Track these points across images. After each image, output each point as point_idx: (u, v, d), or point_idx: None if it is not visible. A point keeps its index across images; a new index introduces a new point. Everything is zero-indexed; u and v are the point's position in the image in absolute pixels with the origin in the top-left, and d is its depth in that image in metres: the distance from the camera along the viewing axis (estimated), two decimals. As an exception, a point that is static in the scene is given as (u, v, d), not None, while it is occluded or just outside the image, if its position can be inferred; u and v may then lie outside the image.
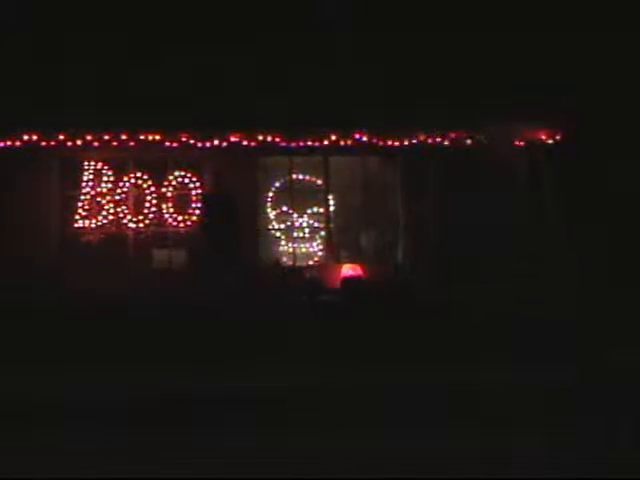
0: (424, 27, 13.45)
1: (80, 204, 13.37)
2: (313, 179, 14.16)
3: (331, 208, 14.10)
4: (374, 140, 13.64)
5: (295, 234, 14.08)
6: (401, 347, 10.68)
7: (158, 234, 13.57)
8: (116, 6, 13.35)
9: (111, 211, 13.42)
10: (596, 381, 9.12)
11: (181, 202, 13.61)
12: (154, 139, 13.33)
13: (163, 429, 7.50)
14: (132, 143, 13.32)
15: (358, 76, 13.30)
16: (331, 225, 14.08)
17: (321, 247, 14.09)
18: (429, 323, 11.27)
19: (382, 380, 9.42)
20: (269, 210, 14.05)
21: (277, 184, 14.11)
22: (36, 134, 13.08)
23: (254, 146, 13.54)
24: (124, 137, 13.27)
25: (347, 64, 13.37)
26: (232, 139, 13.46)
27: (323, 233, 14.08)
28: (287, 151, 13.76)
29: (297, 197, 14.09)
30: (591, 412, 7.82)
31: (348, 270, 13.37)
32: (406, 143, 13.63)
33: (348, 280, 13.09)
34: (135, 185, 13.58)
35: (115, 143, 13.31)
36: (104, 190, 13.47)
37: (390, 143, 13.69)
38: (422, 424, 7.44)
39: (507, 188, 13.36)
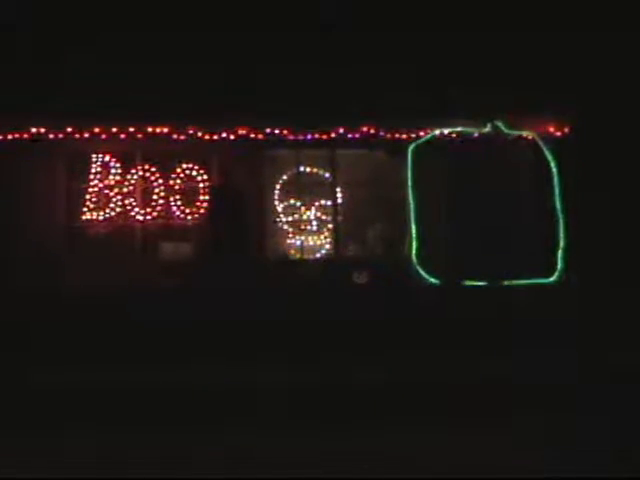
0: (434, 25, 13.45)
1: (88, 196, 13.42)
2: (321, 172, 14.16)
3: (339, 201, 14.10)
4: (381, 133, 13.62)
5: (303, 227, 14.09)
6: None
7: (165, 227, 13.60)
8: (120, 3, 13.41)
9: (119, 203, 13.47)
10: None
11: (189, 195, 13.64)
12: (162, 132, 13.35)
13: (166, 425, 7.55)
14: (140, 136, 13.35)
15: (365, 71, 13.28)
16: (339, 218, 14.08)
17: (329, 240, 14.09)
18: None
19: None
20: (277, 203, 14.05)
21: (285, 177, 14.12)
22: (44, 126, 13.11)
23: (262, 139, 13.54)
24: (132, 130, 13.29)
25: (354, 60, 13.34)
26: (240, 132, 13.47)
27: (331, 226, 14.07)
28: (295, 144, 13.75)
29: (305, 190, 14.10)
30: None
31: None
32: (413, 136, 13.60)
33: None
34: (143, 178, 13.62)
35: (123, 136, 13.34)
36: (112, 182, 13.52)
37: (397, 136, 13.66)
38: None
39: (514, 181, 13.36)
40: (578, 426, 7.29)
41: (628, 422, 7.36)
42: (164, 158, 13.64)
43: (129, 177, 13.58)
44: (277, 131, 13.50)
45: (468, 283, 12.65)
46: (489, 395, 8.43)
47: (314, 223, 14.11)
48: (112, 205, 13.45)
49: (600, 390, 8.47)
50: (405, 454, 6.54)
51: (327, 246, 14.08)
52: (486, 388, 8.68)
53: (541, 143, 13.58)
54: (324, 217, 14.10)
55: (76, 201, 13.43)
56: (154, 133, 13.35)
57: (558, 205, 13.26)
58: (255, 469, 6.19)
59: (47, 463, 6.35)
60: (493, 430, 7.22)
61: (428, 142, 13.60)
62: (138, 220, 13.49)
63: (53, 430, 7.34)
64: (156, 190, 13.59)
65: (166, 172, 13.65)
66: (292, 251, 14.04)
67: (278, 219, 14.04)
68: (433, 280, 12.99)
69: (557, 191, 13.31)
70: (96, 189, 13.47)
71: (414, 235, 13.41)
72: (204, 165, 13.71)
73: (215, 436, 7.14)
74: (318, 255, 14.05)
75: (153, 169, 13.64)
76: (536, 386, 8.77)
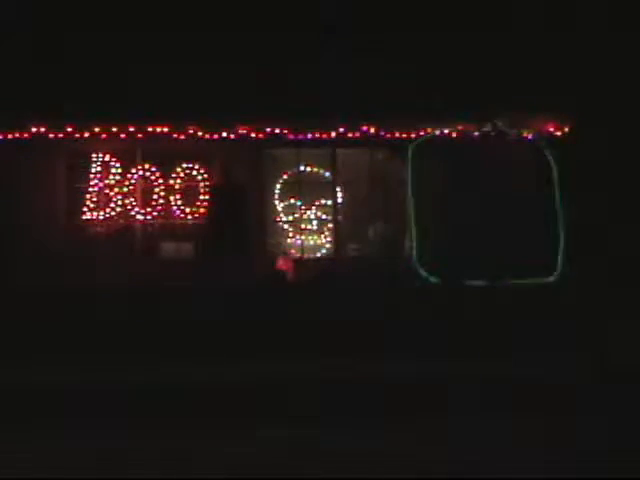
0: (434, 25, 13.45)
1: (88, 196, 13.42)
2: (321, 171, 14.16)
3: (339, 200, 14.11)
4: (382, 132, 13.63)
5: (303, 226, 14.09)
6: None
7: (166, 226, 13.62)
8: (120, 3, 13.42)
9: (119, 203, 13.47)
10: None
11: (189, 194, 13.66)
12: (162, 131, 13.36)
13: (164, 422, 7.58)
14: (140, 135, 13.35)
15: (366, 70, 13.28)
16: (339, 217, 14.09)
17: (329, 239, 14.10)
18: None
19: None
20: (277, 202, 14.06)
21: (285, 176, 14.12)
22: (44, 126, 13.12)
23: (262, 138, 13.56)
24: (132, 129, 13.29)
25: (354, 60, 13.34)
26: (240, 131, 13.48)
27: (331, 225, 14.08)
28: (295, 143, 13.76)
29: (305, 189, 14.10)
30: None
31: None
32: (413, 135, 13.61)
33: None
34: (143, 177, 13.62)
35: (123, 135, 13.34)
36: (112, 182, 13.52)
37: (398, 135, 13.66)
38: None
39: (514, 181, 13.37)
40: (578, 426, 7.31)
41: (628, 422, 7.37)
42: (164, 157, 13.65)
43: (129, 176, 13.58)
44: (277, 130, 13.51)
45: (468, 283, 12.63)
46: (489, 395, 8.45)
47: (314, 222, 14.11)
48: (112, 205, 13.45)
49: (600, 390, 8.48)
50: (404, 453, 6.55)
51: (327, 245, 14.09)
52: (486, 388, 8.69)
53: (541, 143, 13.59)
54: (324, 216, 14.10)
55: (76, 201, 13.45)
56: (154, 132, 13.36)
57: (558, 205, 13.26)
58: (255, 469, 6.20)
59: (47, 463, 6.36)
60: (493, 430, 7.23)
61: (428, 142, 13.59)
62: (138, 220, 13.50)
63: (53, 430, 7.35)
64: (156, 190, 13.59)
65: (166, 171, 13.66)
66: (292, 250, 14.03)
67: (278, 218, 14.04)
68: (433, 280, 12.97)
69: (557, 191, 13.31)
70: (96, 189, 13.47)
71: (414, 235, 13.41)
72: (204, 164, 13.71)
73: (215, 435, 7.16)
74: (318, 254, 14.06)
75: (153, 169, 13.64)
76: (536, 386, 8.79)
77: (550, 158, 13.44)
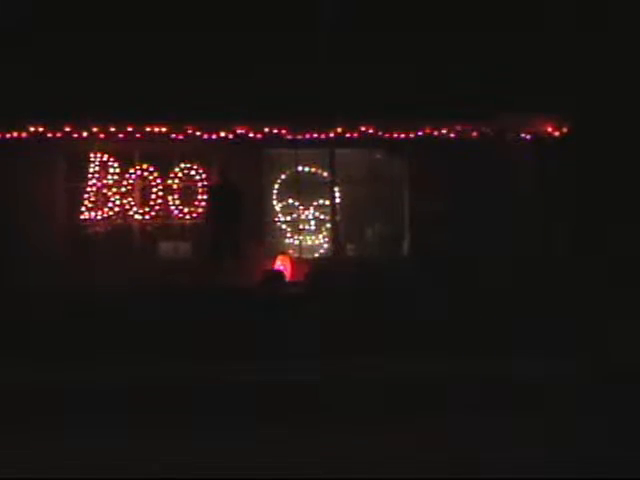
0: (434, 25, 13.45)
1: (86, 196, 13.42)
2: (319, 171, 14.14)
3: (337, 200, 14.07)
4: (380, 132, 13.61)
5: (301, 226, 14.08)
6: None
7: (164, 226, 13.62)
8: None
9: (117, 203, 13.47)
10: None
11: (187, 194, 13.66)
12: (160, 131, 13.36)
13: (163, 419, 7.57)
14: (138, 135, 13.36)
15: (364, 71, 13.27)
16: (337, 217, 14.05)
17: (327, 239, 14.08)
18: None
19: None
20: (275, 202, 14.05)
21: (283, 176, 14.11)
22: (42, 126, 13.11)
23: (260, 138, 13.56)
24: (130, 129, 13.29)
25: (353, 60, 13.32)
26: (238, 131, 13.48)
27: (329, 225, 14.05)
28: (293, 143, 13.74)
29: (303, 189, 14.09)
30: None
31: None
32: (412, 135, 13.59)
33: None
34: (141, 177, 13.64)
35: (121, 135, 13.34)
36: (110, 182, 13.52)
37: (396, 135, 13.65)
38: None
39: (513, 181, 13.37)
40: (578, 426, 7.29)
41: (628, 422, 7.35)
42: (162, 157, 13.66)
43: (127, 176, 13.60)
44: (276, 130, 13.50)
45: (467, 282, 12.62)
46: (488, 395, 8.43)
47: (312, 222, 14.09)
48: (110, 205, 13.45)
49: (600, 390, 8.47)
50: (403, 453, 6.52)
51: (325, 245, 14.07)
52: (486, 388, 8.67)
53: (540, 143, 13.58)
54: (322, 216, 14.07)
55: (75, 201, 13.44)
56: (152, 132, 13.34)
57: (558, 205, 13.25)
58: (255, 469, 6.17)
59: (46, 463, 6.33)
60: (492, 430, 7.21)
61: (427, 142, 13.58)
62: (136, 220, 13.48)
63: (53, 430, 7.32)
64: (154, 189, 13.59)
65: (164, 171, 13.66)
66: (291, 250, 14.01)
67: (276, 218, 14.03)
68: (431, 279, 12.94)
69: (557, 191, 13.31)
70: (94, 189, 13.46)
71: (412, 234, 13.41)
72: (202, 164, 13.71)
73: (215, 435, 7.13)
74: (316, 254, 14.04)
75: (151, 168, 13.65)
76: (536, 386, 8.78)
77: (549, 158, 13.45)
